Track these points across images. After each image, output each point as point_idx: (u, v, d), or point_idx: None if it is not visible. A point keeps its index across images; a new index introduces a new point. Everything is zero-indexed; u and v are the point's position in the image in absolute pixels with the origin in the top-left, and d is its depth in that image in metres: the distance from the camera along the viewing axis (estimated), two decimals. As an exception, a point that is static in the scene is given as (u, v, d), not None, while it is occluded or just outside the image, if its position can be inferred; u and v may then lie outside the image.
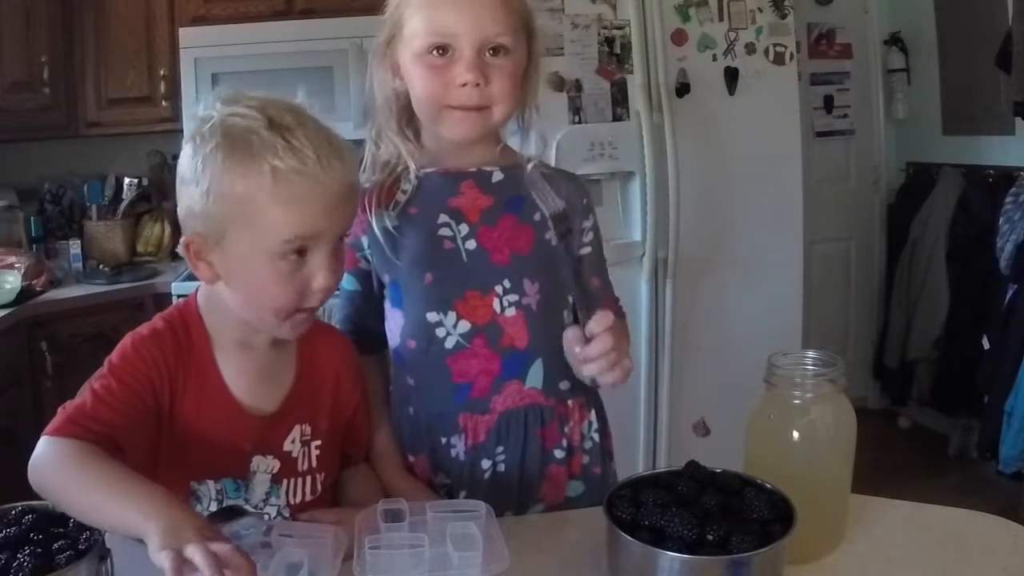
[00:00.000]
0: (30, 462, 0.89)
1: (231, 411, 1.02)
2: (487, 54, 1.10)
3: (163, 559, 0.74)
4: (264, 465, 1.04)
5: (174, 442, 1.00)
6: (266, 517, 1.03)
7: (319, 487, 1.09)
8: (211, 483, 1.01)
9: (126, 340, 1.00)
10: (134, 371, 0.97)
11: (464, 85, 1.09)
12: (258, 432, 1.04)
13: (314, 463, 1.08)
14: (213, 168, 0.92)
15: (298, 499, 1.07)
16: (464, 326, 1.15)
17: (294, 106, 0.98)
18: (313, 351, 1.10)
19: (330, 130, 0.98)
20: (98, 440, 0.89)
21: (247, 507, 1.03)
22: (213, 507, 1.02)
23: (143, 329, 1.02)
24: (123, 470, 0.86)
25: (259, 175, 0.90)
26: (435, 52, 1.10)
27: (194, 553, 0.74)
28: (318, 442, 1.09)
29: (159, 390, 0.98)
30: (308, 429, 1.08)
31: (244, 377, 1.03)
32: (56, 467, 0.88)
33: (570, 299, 1.23)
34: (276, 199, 0.91)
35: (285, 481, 1.06)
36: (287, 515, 1.05)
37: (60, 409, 0.94)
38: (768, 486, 0.93)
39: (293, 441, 1.06)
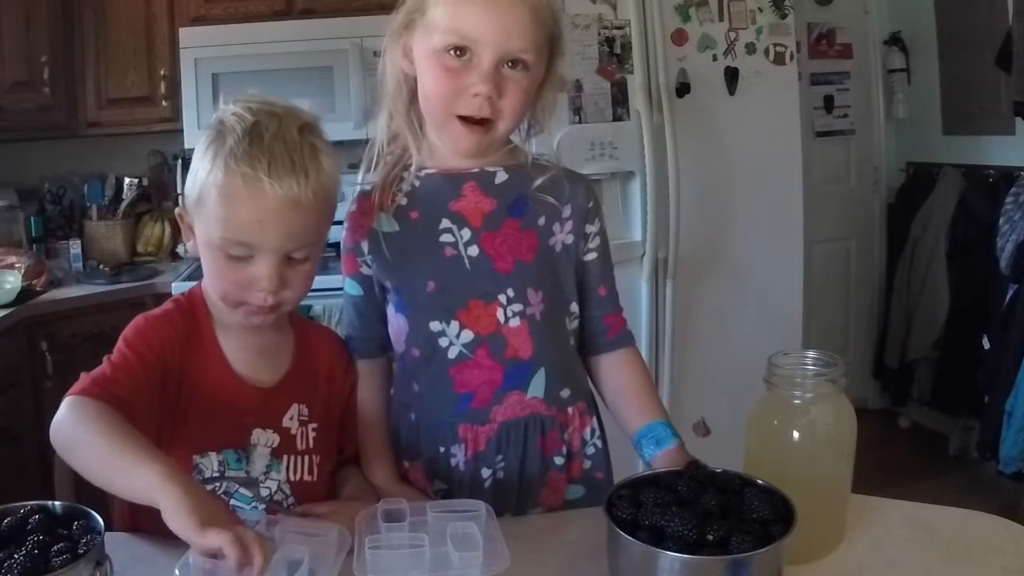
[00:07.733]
0: (53, 422, 0.92)
1: (232, 383, 1.08)
2: (505, 66, 1.05)
3: (218, 540, 0.76)
4: (265, 438, 1.09)
5: (178, 415, 1.05)
6: (266, 492, 1.08)
7: (316, 469, 1.13)
8: (213, 455, 1.06)
9: (139, 318, 1.06)
10: (147, 344, 1.02)
11: (476, 95, 1.05)
12: (258, 404, 1.09)
13: (311, 444, 1.12)
14: (197, 155, 1.03)
15: (297, 476, 1.11)
16: (467, 336, 1.13)
17: (288, 117, 1.02)
18: (308, 340, 1.18)
19: (308, 149, 1.01)
20: (117, 404, 0.93)
21: (249, 479, 1.07)
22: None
23: (156, 310, 1.09)
24: (141, 435, 0.89)
25: (216, 169, 0.99)
26: (453, 52, 1.05)
27: (229, 542, 0.76)
28: (314, 424, 1.13)
29: (170, 363, 1.04)
30: (305, 410, 1.13)
31: (245, 352, 1.09)
32: (79, 424, 0.90)
33: (574, 307, 1.21)
34: (220, 194, 0.99)
35: (285, 457, 1.10)
36: (287, 491, 1.10)
37: (83, 375, 0.98)
38: (768, 486, 0.93)
39: (292, 418, 1.12)
